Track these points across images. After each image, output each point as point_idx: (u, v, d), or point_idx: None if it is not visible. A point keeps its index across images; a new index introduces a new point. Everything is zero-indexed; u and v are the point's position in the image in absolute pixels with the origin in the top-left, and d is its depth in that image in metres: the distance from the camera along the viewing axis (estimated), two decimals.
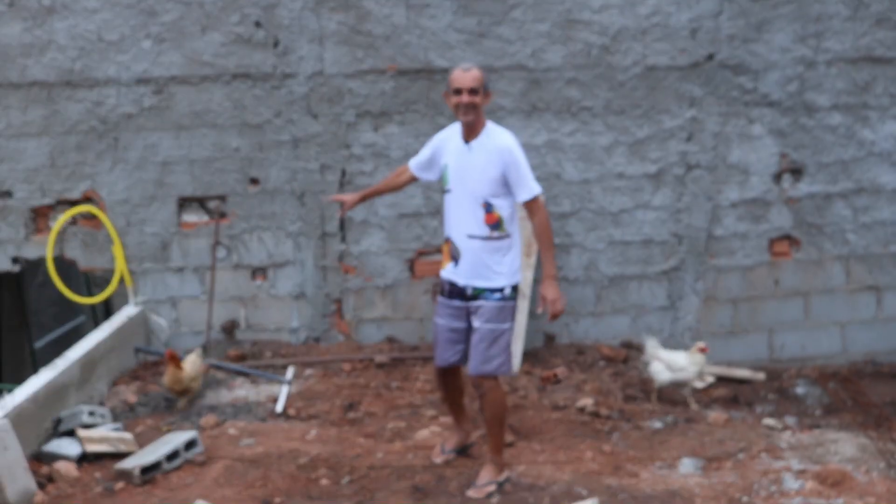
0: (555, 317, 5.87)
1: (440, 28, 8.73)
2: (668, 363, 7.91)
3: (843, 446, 6.92)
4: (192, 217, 9.00)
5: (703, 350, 7.86)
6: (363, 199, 6.75)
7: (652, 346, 8.15)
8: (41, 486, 6.07)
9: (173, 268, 9.04)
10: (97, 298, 9.77)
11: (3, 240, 8.90)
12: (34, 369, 9.03)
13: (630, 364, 8.82)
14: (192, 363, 7.77)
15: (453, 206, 6.01)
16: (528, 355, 8.79)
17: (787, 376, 8.97)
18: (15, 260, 8.98)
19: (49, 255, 8.81)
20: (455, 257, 6.00)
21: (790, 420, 7.78)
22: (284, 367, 8.58)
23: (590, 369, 8.61)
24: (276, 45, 8.71)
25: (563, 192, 8.96)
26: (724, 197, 9.10)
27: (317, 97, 8.80)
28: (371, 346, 9.08)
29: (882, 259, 9.34)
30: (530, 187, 5.86)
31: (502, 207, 5.89)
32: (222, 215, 8.99)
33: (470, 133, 5.93)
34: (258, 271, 9.09)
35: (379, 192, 6.82)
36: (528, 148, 6.14)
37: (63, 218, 8.79)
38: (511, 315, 6.02)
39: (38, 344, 11.88)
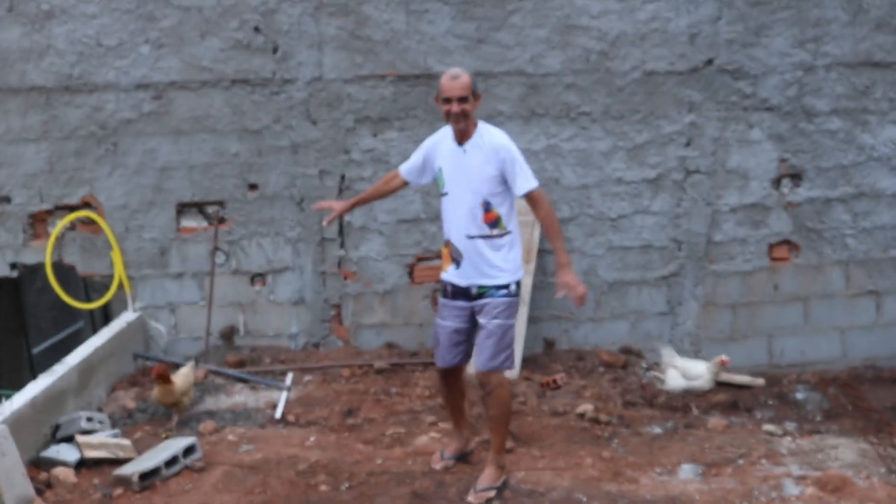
0: (581, 299, 5.90)
1: (439, 33, 8.73)
2: (684, 371, 7.88)
3: (844, 452, 6.91)
4: (190, 222, 8.99)
5: (724, 363, 7.81)
6: (353, 206, 6.78)
7: (668, 354, 8.13)
8: (39, 492, 6.06)
9: (172, 273, 9.02)
10: (96, 304, 9.76)
11: (2, 245, 8.89)
12: (32, 375, 9.02)
13: (629, 370, 8.81)
14: (183, 377, 7.52)
15: (451, 208, 6.04)
16: (528, 361, 8.78)
17: (786, 382, 8.94)
18: (13, 265, 8.97)
19: (48, 260, 8.80)
20: (456, 259, 6.02)
21: (790, 426, 7.76)
22: (283, 373, 8.56)
23: (589, 375, 8.60)
24: (275, 50, 8.71)
25: (561, 197, 8.96)
26: (724, 202, 9.09)
27: (316, 103, 8.79)
28: (370, 351, 9.06)
29: (882, 264, 9.33)
30: (529, 180, 5.92)
31: (500, 205, 5.95)
32: (221, 221, 8.98)
33: (463, 136, 5.98)
34: (257, 277, 9.08)
35: (369, 199, 6.82)
36: (527, 153, 6.15)
37: (62, 223, 8.78)
38: (516, 311, 6.08)
39: (37, 349, 11.85)
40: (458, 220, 5.98)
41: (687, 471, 6.46)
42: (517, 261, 6.05)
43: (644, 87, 8.88)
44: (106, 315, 11.08)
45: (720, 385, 8.58)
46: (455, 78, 5.87)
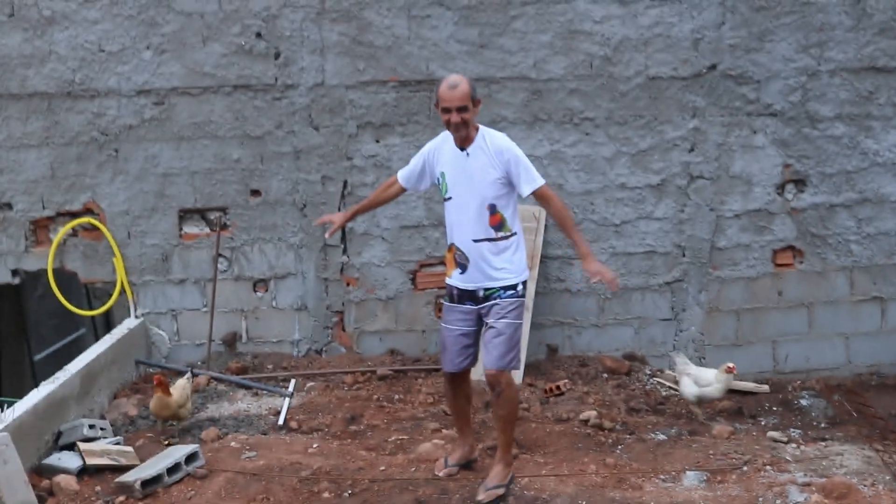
0: (613, 283, 6.04)
1: (441, 39, 8.72)
2: (696, 378, 7.85)
3: (849, 459, 6.88)
4: (192, 229, 8.98)
5: (730, 370, 7.79)
6: (353, 216, 6.78)
7: (682, 362, 8.09)
8: (41, 499, 6.04)
9: (174, 280, 9.01)
10: (98, 311, 9.74)
11: (3, 252, 8.89)
12: (34, 382, 9.00)
13: (633, 376, 8.79)
14: (180, 389, 7.34)
15: (456, 212, 6.05)
16: (531, 367, 8.76)
17: (791, 388, 8.92)
18: (15, 272, 8.96)
19: (49, 267, 8.78)
20: (462, 263, 6.04)
21: (795, 432, 7.73)
22: (286, 380, 8.55)
23: (593, 381, 8.58)
24: (277, 56, 8.70)
25: (565, 203, 8.90)
26: (727, 208, 9.07)
27: (318, 108, 8.78)
28: (373, 358, 9.05)
29: (886, 270, 9.30)
30: (535, 178, 5.97)
31: (505, 207, 5.98)
32: (223, 227, 8.96)
33: (465, 141, 5.98)
34: (259, 283, 9.06)
35: (369, 208, 6.80)
36: (531, 159, 6.13)
37: (64, 230, 8.77)
38: (523, 311, 6.12)
39: (38, 356, 11.83)
40: (464, 224, 5.99)
41: (691, 477, 6.43)
42: (522, 262, 6.09)
43: (647, 93, 8.87)
44: (108, 322, 11.06)
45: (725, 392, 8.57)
46: (453, 88, 5.86)
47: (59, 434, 6.90)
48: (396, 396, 8.21)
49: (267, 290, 9.06)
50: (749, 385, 8.81)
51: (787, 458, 6.86)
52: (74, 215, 8.86)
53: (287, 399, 8.01)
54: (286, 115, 8.79)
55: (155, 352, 9.02)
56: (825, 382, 9.11)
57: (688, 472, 6.50)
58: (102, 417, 7.67)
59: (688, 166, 8.98)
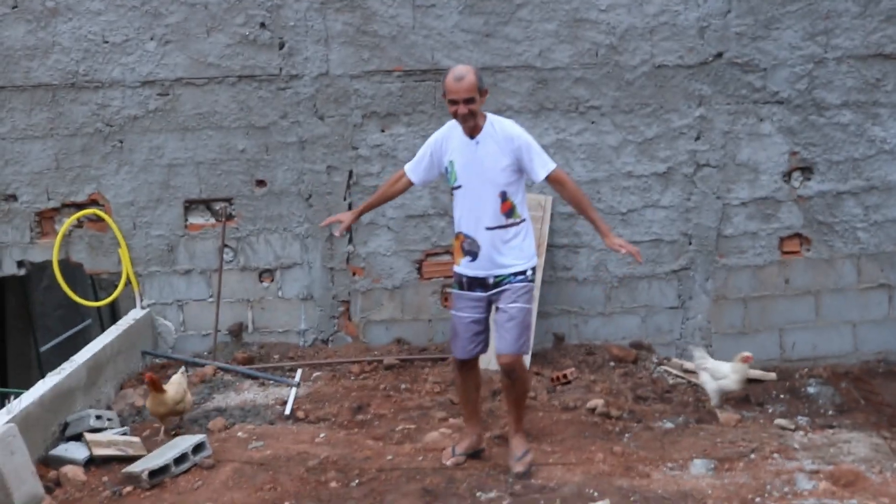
0: (637, 254, 6.14)
1: (446, 28, 8.70)
2: (713, 372, 7.83)
3: (856, 446, 6.87)
4: (198, 219, 8.97)
5: (746, 359, 7.77)
6: (361, 214, 6.73)
7: (700, 356, 8.06)
8: (49, 490, 6.03)
9: (180, 270, 9.01)
10: (103, 302, 9.75)
11: (9, 243, 8.88)
12: (40, 373, 9.01)
13: (640, 364, 8.77)
14: (175, 384, 7.18)
15: (466, 200, 6.08)
16: (538, 356, 8.75)
17: (798, 376, 8.90)
18: (20, 263, 8.96)
19: (55, 258, 8.78)
20: (473, 251, 6.07)
21: (802, 420, 7.72)
22: (292, 370, 8.54)
23: (600, 370, 8.57)
24: (281, 46, 8.68)
25: None
26: (734, 196, 9.04)
27: (323, 98, 8.76)
28: (379, 347, 9.04)
29: (893, 257, 9.27)
30: (547, 162, 6.03)
31: (515, 194, 6.04)
32: (229, 217, 8.95)
33: (474, 130, 6.01)
34: (265, 273, 9.06)
35: (376, 204, 6.74)
36: None
37: (69, 221, 8.76)
38: (533, 295, 6.18)
39: (44, 347, 11.85)
40: (476, 212, 6.03)
41: (699, 465, 6.41)
42: (532, 248, 6.16)
43: (653, 81, 8.84)
44: (113, 313, 11.06)
45: None
46: (459, 79, 5.87)
47: (66, 425, 6.90)
48: (403, 386, 8.20)
49: (273, 281, 9.06)
50: (756, 373, 8.78)
51: (795, 445, 6.84)
52: (80, 206, 8.86)
53: (293, 389, 8.01)
54: (291, 105, 8.77)
55: (161, 342, 9.02)
56: (832, 370, 9.09)
57: (695, 461, 6.48)
58: (109, 408, 7.68)
59: (694, 154, 8.96)
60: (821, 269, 9.23)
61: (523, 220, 6.07)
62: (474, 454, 6.44)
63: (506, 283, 6.03)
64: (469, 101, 5.85)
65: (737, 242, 9.11)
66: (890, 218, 9.19)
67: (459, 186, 6.07)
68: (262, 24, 8.64)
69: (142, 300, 9.00)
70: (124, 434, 6.93)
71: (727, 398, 7.89)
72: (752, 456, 6.59)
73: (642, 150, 8.94)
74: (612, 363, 8.73)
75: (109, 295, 9.21)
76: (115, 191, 8.84)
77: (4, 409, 6.36)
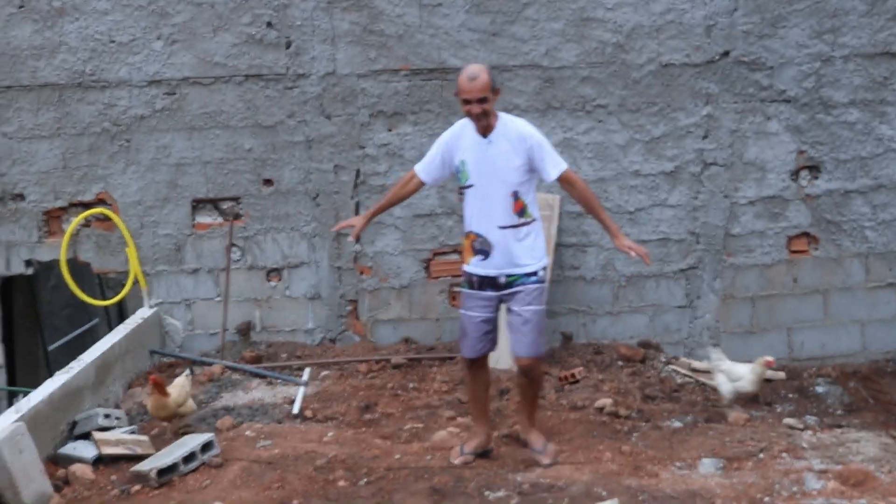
0: (646, 256, 6.15)
1: (453, 27, 8.70)
2: (729, 373, 7.81)
3: (865, 446, 6.84)
4: (205, 218, 8.98)
5: (769, 364, 7.73)
6: (372, 217, 6.70)
7: (717, 357, 8.03)
8: (57, 488, 6.04)
9: (187, 269, 9.02)
10: (111, 301, 9.75)
11: (17, 242, 8.90)
12: (48, 372, 9.02)
13: (648, 364, 8.76)
14: (179, 387, 7.10)
15: (478, 200, 6.08)
16: (546, 355, 8.72)
17: (806, 375, 8.88)
18: (28, 262, 8.98)
19: (62, 257, 8.77)
20: (484, 250, 6.08)
21: (811, 419, 7.70)
22: (300, 369, 8.54)
23: (608, 369, 8.56)
24: (288, 45, 8.69)
25: None
26: (742, 194, 9.03)
27: (330, 97, 8.76)
28: (387, 346, 9.04)
29: None
30: (559, 162, 6.06)
31: (526, 194, 6.06)
32: (236, 216, 8.96)
33: (487, 128, 6.01)
34: (273, 272, 9.06)
35: (387, 206, 6.72)
36: None
37: (76, 220, 8.76)
38: (545, 296, 6.23)
39: (52, 347, 11.86)
40: (488, 211, 6.03)
41: (707, 465, 6.39)
42: (542, 247, 6.18)
43: (660, 80, 8.84)
44: (121, 312, 11.08)
45: None
46: (473, 79, 5.88)
47: (75, 424, 6.91)
48: (411, 385, 8.20)
49: (280, 280, 9.06)
50: (767, 372, 8.76)
51: (804, 445, 6.82)
52: (87, 206, 8.87)
53: (301, 388, 8.01)
54: (298, 104, 8.78)
55: (169, 341, 9.03)
56: (841, 369, 9.06)
57: (704, 460, 6.46)
58: (117, 407, 7.69)
59: (701, 153, 8.95)
60: (829, 268, 9.22)
61: (535, 220, 6.09)
62: (483, 453, 6.44)
63: (518, 284, 6.05)
64: (482, 100, 5.86)
65: (744, 241, 9.10)
66: None
67: (471, 185, 6.06)
68: (269, 24, 8.65)
69: (149, 299, 9.00)
70: (132, 433, 6.94)
71: (740, 400, 7.87)
72: (761, 455, 6.57)
73: (649, 149, 8.93)
74: (620, 362, 8.71)
75: (117, 294, 9.21)
76: (123, 190, 8.86)
77: (13, 408, 6.38)
